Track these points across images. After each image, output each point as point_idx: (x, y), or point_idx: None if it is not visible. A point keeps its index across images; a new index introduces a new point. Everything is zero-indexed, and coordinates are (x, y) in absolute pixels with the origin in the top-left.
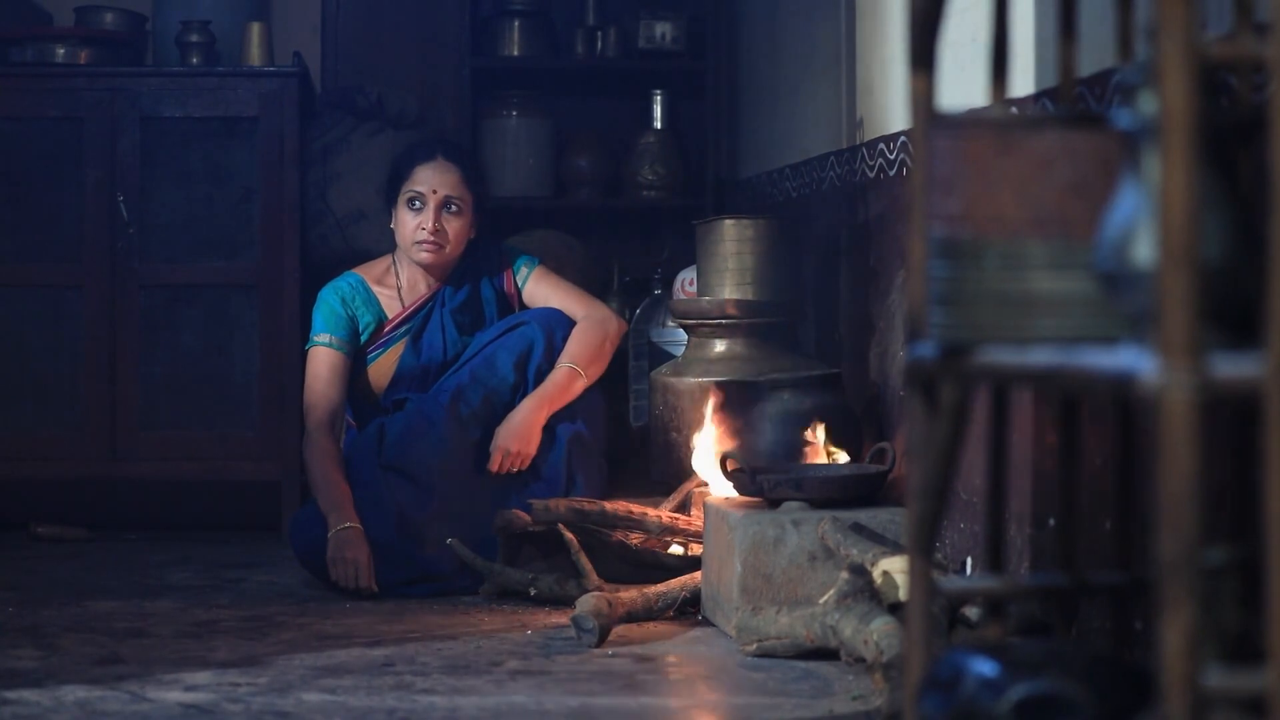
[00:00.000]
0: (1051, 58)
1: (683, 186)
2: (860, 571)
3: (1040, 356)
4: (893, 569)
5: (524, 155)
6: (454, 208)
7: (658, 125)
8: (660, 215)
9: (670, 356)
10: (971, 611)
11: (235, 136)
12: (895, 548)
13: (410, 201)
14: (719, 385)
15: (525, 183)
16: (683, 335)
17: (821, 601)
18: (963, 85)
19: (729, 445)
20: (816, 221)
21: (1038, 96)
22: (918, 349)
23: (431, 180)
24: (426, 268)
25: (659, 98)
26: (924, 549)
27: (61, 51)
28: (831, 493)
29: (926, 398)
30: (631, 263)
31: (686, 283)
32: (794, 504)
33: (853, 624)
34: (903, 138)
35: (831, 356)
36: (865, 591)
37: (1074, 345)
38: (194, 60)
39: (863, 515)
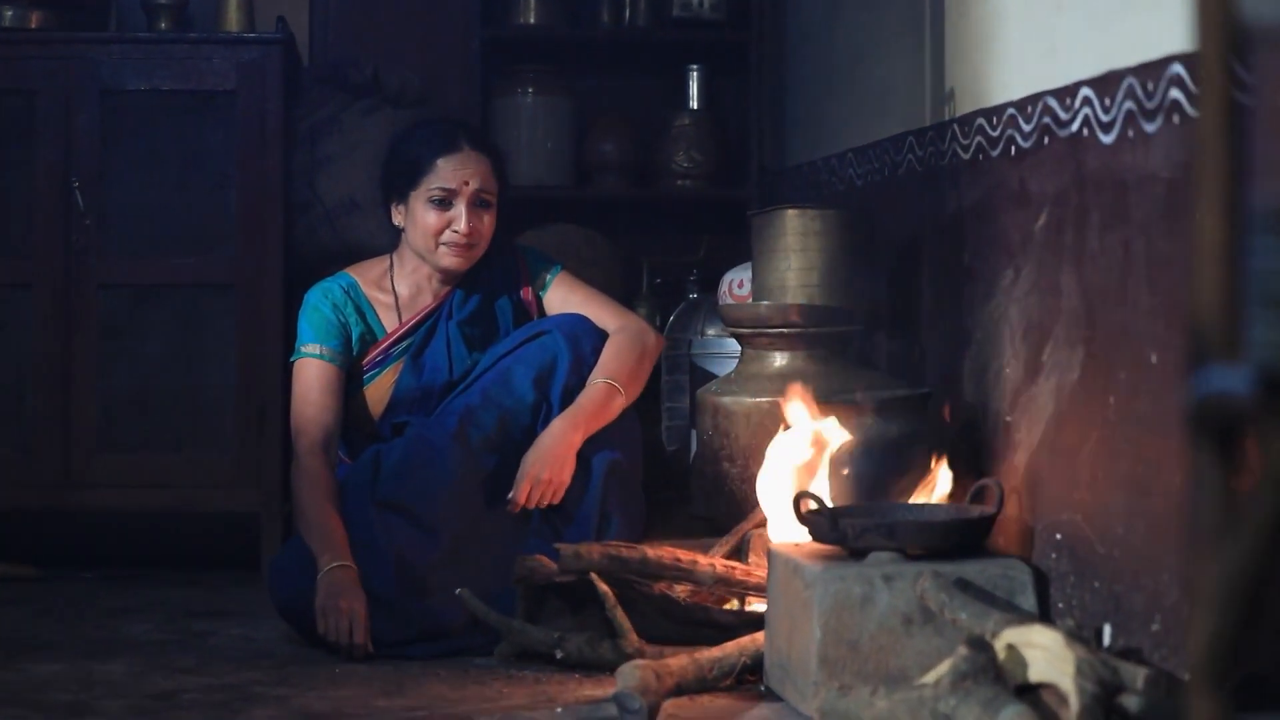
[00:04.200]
0: None
1: (722, 175)
2: (981, 646)
3: None
4: (1019, 642)
5: (541, 139)
6: (485, 202)
7: (694, 105)
8: (696, 208)
9: (709, 371)
10: (1130, 700)
11: (210, 114)
12: (1014, 611)
13: (436, 199)
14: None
15: (542, 170)
16: (727, 346)
17: (929, 681)
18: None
19: (805, 481)
20: (890, 213)
21: None
22: (1215, 379)
23: (461, 173)
24: (447, 271)
25: (695, 73)
26: (1215, 682)
27: (9, 14)
28: (931, 541)
29: (1227, 453)
30: (663, 262)
31: (735, 284)
32: (883, 554)
33: (975, 713)
34: (1010, 110)
35: (910, 374)
36: (987, 671)
37: None
38: (163, 25)
39: (969, 569)
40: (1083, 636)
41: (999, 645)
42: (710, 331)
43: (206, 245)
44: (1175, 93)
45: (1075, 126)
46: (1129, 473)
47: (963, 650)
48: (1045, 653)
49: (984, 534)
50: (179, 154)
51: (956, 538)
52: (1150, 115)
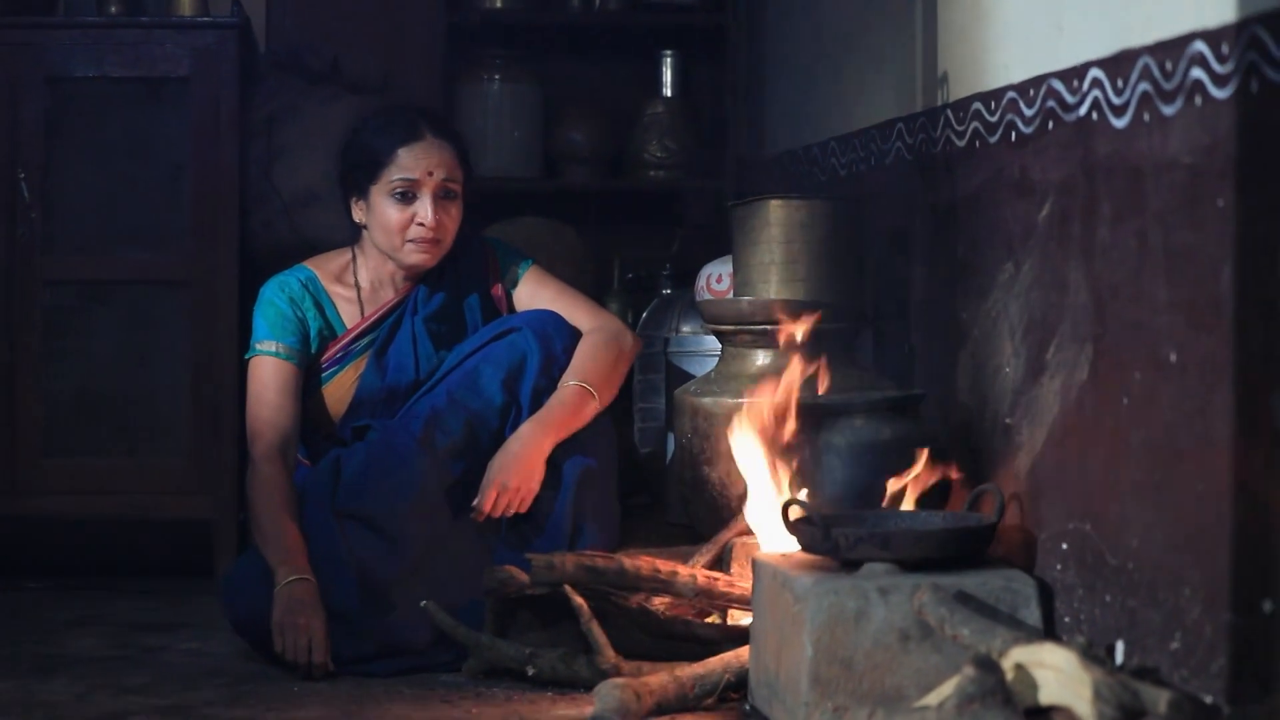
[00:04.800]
0: None
1: (697, 165)
2: (988, 666)
3: None
4: (1029, 661)
5: (507, 128)
6: (450, 192)
7: (667, 92)
8: (670, 199)
9: (686, 370)
10: None
11: (162, 102)
12: (1019, 627)
13: (398, 192)
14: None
15: (509, 160)
16: (705, 344)
17: (932, 703)
18: None
19: (794, 487)
20: (877, 204)
21: None
22: None
23: (424, 163)
24: (413, 269)
25: (669, 59)
26: None
27: None
28: (928, 551)
29: None
30: (636, 256)
31: (714, 279)
32: (877, 566)
33: None
34: (1010, 93)
35: (900, 373)
36: (996, 693)
37: None
38: (112, 9)
39: (969, 581)
40: (1098, 656)
41: (1007, 665)
42: (686, 329)
43: (158, 239)
44: (1197, 72)
45: (1083, 110)
46: (1145, 480)
47: (969, 671)
48: (1058, 674)
49: (984, 543)
50: (129, 144)
51: (955, 548)
52: (1169, 97)
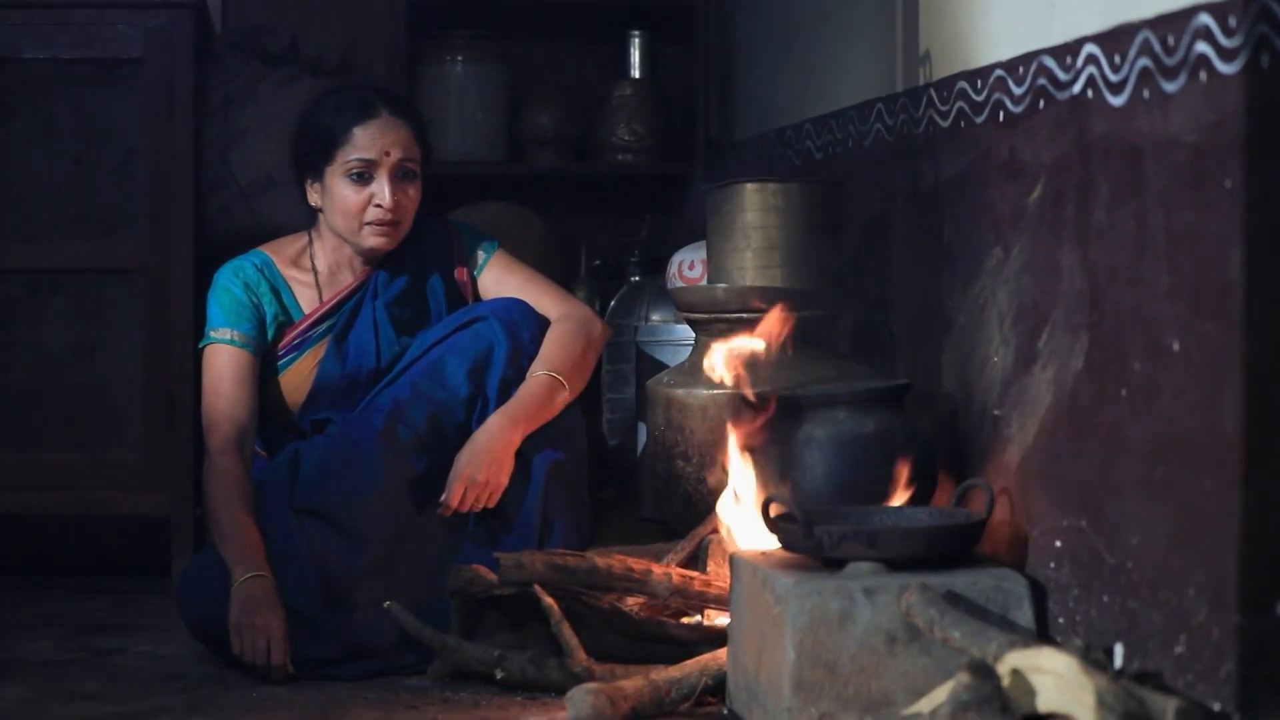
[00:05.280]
0: None
1: (666, 149)
2: (984, 673)
3: None
4: (1026, 667)
5: (471, 110)
6: (409, 172)
7: (635, 74)
8: (638, 184)
9: (656, 359)
10: None
11: (114, 84)
12: (1011, 628)
13: (354, 173)
14: (754, 400)
15: (472, 144)
16: (676, 333)
17: (924, 710)
18: None
19: (773, 483)
20: (856, 188)
21: None
22: None
23: (381, 141)
24: (371, 252)
25: (637, 40)
26: None
27: None
28: (916, 550)
29: None
30: (603, 242)
31: (686, 266)
32: (863, 565)
33: None
34: (998, 72)
35: (878, 362)
36: (993, 701)
37: None
38: None
39: (958, 580)
40: (1099, 661)
41: (1002, 670)
42: (655, 317)
43: (110, 227)
44: (1202, 47)
45: (1077, 88)
46: (1146, 474)
47: (964, 678)
48: (1057, 680)
49: (974, 541)
50: (80, 128)
51: (944, 545)
52: (1171, 73)
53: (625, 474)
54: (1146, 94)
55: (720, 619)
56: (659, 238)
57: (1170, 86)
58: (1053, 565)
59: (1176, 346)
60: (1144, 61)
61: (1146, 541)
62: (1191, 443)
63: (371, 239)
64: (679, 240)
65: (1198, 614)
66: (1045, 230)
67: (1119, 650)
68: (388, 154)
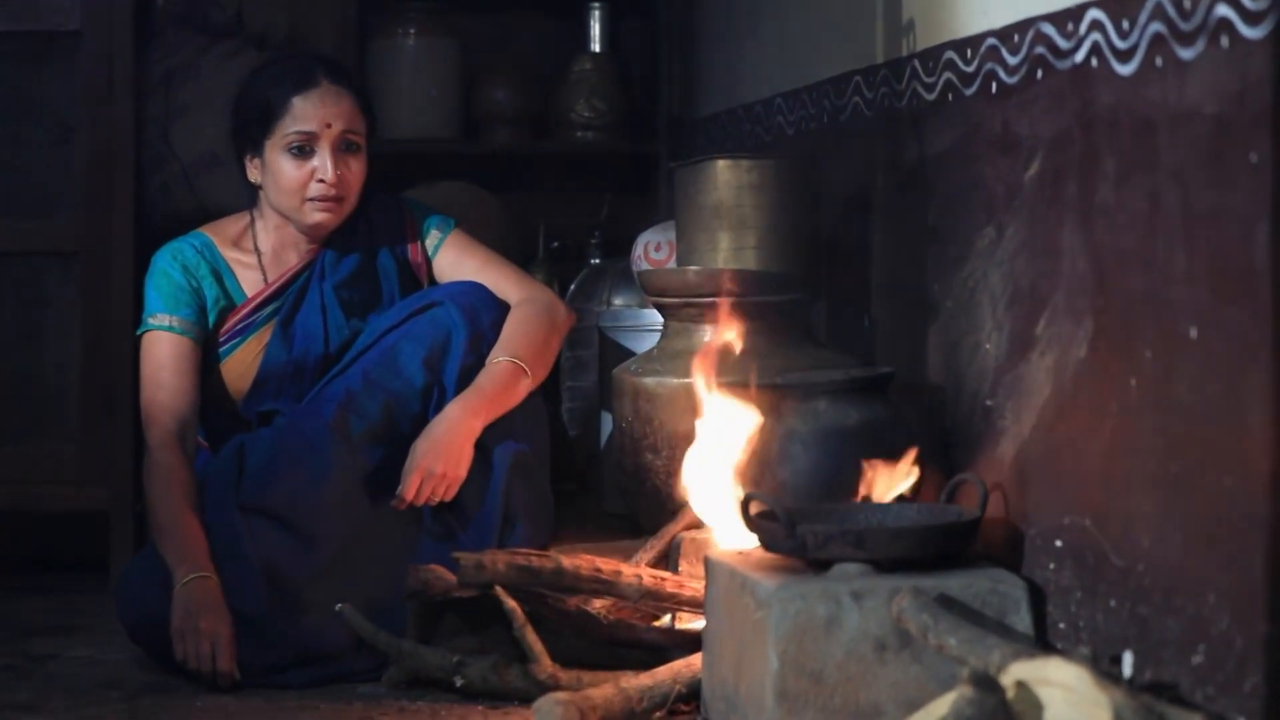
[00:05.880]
0: None
1: (628, 126)
2: (988, 686)
3: None
4: (1033, 679)
5: (424, 86)
6: (352, 145)
7: (595, 48)
8: (599, 163)
9: (620, 345)
10: None
11: (50, 58)
12: (1013, 637)
13: (294, 147)
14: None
15: (425, 121)
16: (642, 318)
17: None
18: None
19: (754, 478)
20: (832, 165)
21: None
22: None
23: (322, 112)
24: (315, 229)
25: (597, 12)
26: None
27: None
28: (907, 550)
29: None
30: (561, 224)
31: (652, 248)
32: (849, 567)
33: None
34: (990, 40)
35: (857, 349)
36: (997, 715)
37: None
38: None
39: (952, 583)
40: (1113, 673)
41: (1007, 682)
42: (618, 301)
43: (45, 207)
44: (1223, 9)
45: (1080, 57)
46: (1159, 471)
47: (967, 690)
48: (1067, 693)
49: (968, 541)
50: (13, 104)
51: (936, 545)
52: (1187, 39)
53: (588, 466)
54: (1159, 62)
55: (694, 622)
56: (620, 219)
57: (1186, 53)
58: (1052, 566)
59: (1194, 333)
60: (1156, 27)
61: (1160, 543)
62: (1211, 437)
63: (314, 215)
64: (642, 221)
65: (1219, 622)
66: (1043, 209)
67: (1128, 659)
68: (329, 125)
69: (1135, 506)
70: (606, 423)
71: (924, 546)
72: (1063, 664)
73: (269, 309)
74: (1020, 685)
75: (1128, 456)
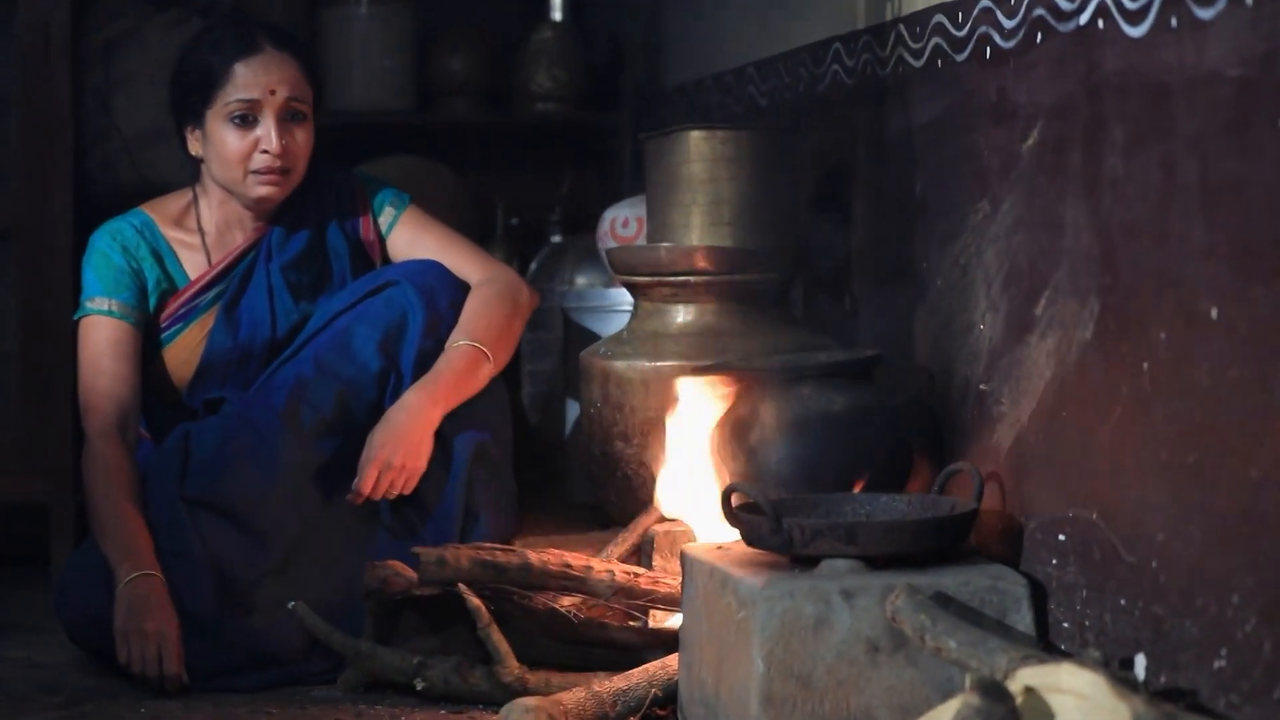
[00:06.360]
0: None
1: (590, 97)
2: (996, 694)
3: None
4: (1043, 685)
5: (376, 55)
6: (297, 114)
7: (556, 16)
8: (559, 136)
9: (584, 327)
10: None
11: None
12: (1016, 638)
13: (236, 116)
14: (705, 374)
15: (378, 92)
16: (608, 298)
17: None
18: None
19: (734, 468)
20: (810, 136)
21: None
22: None
23: (265, 79)
24: (260, 203)
25: None
26: None
27: None
28: (901, 545)
29: None
30: (521, 199)
31: (619, 224)
32: (839, 563)
33: None
34: (984, 3)
35: (837, 330)
36: None
37: None
38: None
39: (948, 579)
40: (1131, 679)
41: (1015, 688)
42: (582, 280)
43: None
44: None
45: (1084, 18)
46: (1175, 460)
47: (974, 699)
48: (1081, 701)
49: (964, 535)
50: None
51: (932, 540)
52: None
53: (550, 454)
54: (1174, 22)
55: (667, 619)
56: (582, 194)
57: (1205, 13)
58: (1055, 562)
59: (1215, 313)
60: None
61: (1176, 538)
62: (1234, 425)
63: (258, 189)
64: (605, 196)
65: (1244, 623)
66: (1044, 181)
67: (1140, 662)
68: (273, 93)
69: (1148, 498)
70: (571, 408)
71: (919, 541)
72: (1076, 669)
73: (213, 292)
74: (1030, 692)
75: (1140, 445)
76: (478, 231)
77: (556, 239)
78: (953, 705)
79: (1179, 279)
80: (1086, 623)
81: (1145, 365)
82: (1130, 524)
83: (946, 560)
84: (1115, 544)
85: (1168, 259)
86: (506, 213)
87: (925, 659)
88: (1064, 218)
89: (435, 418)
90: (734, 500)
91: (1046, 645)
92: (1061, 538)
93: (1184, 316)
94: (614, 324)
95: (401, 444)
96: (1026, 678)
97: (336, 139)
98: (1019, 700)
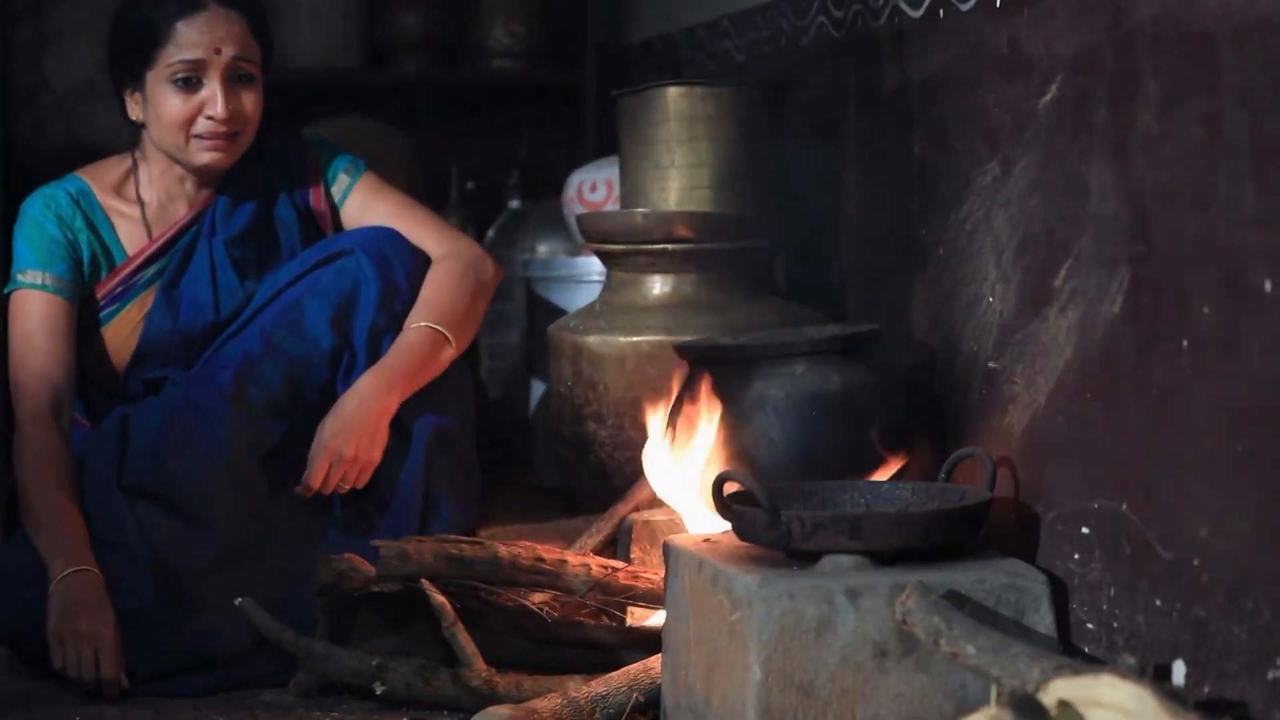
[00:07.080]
0: None
1: (550, 54)
2: (1030, 710)
3: None
4: (1080, 699)
5: (324, 9)
6: (245, 75)
7: None
8: (518, 95)
9: (547, 300)
10: None
11: None
12: (1040, 643)
13: (179, 78)
14: (688, 351)
15: (325, 48)
16: (574, 267)
17: None
18: None
19: (727, 456)
20: (794, 92)
21: None
22: None
23: (209, 38)
24: (205, 170)
25: None
26: None
27: None
28: (910, 540)
29: None
30: (477, 162)
31: (587, 188)
32: (842, 559)
33: None
34: None
35: (824, 303)
36: None
37: None
38: None
39: (961, 576)
40: (1179, 693)
41: (1047, 701)
42: (544, 249)
43: None
44: None
45: None
46: (1220, 450)
47: (1004, 716)
48: (1125, 717)
49: (978, 527)
50: None
51: (942, 533)
52: None
53: (513, 434)
54: None
55: (651, 618)
56: (542, 157)
57: None
58: (1077, 557)
59: (1269, 286)
60: None
61: (1220, 533)
62: None
63: (204, 155)
64: (568, 159)
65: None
66: (1063, 140)
67: (1179, 669)
68: (218, 52)
69: (1188, 490)
70: (535, 386)
71: (928, 535)
72: (1118, 681)
73: (152, 269)
74: (1064, 705)
75: (1178, 431)
76: (431, 197)
77: (515, 204)
78: (978, 718)
79: (1226, 248)
80: (1115, 624)
81: (1185, 343)
82: (1167, 517)
83: (957, 555)
84: (1149, 539)
85: (1212, 225)
86: (461, 177)
87: (937, 664)
88: (1088, 180)
89: (391, 406)
90: (726, 490)
91: (1068, 648)
92: (1085, 530)
93: (1231, 289)
94: (581, 295)
95: (354, 434)
96: (1061, 690)
97: (280, 99)
98: (1053, 715)
